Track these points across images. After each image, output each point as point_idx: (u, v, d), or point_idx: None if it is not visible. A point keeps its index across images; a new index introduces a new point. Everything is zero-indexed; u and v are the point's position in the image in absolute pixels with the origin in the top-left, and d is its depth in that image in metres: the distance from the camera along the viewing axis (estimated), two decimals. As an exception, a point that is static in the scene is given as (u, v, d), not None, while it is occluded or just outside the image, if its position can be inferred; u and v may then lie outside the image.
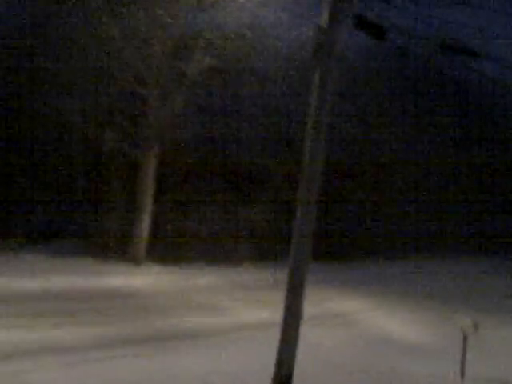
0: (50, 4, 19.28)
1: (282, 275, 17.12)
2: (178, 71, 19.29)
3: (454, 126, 32.88)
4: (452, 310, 14.49)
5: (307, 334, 8.69)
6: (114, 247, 19.33)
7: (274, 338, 8.40)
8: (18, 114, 19.25)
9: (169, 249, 19.80)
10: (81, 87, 18.88)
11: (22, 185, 19.28)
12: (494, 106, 36.91)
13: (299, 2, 18.16)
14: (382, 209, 27.63)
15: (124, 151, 19.39)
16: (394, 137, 28.59)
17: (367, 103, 27.40)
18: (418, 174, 30.69)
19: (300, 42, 19.52)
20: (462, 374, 10.28)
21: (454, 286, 22.60)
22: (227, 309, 14.64)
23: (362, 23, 9.56)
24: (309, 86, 9.39)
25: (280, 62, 21.00)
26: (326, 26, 9.15)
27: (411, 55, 29.37)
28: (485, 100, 35.93)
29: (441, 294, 20.18)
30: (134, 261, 18.83)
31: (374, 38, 9.92)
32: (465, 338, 10.37)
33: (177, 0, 18.80)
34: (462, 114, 33.71)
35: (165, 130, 19.49)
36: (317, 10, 9.77)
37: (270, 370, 8.17)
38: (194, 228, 20.51)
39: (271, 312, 12.78)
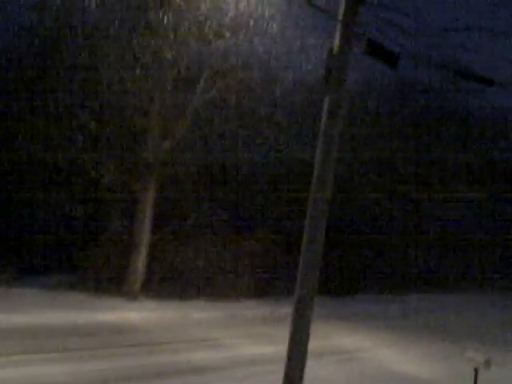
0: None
1: (282, 310, 17.15)
2: (180, 103, 18.96)
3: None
4: (462, 345, 13.91)
5: (312, 369, 8.16)
6: (109, 282, 18.76)
7: (281, 372, 7.96)
8: (14, 144, 18.84)
9: (165, 283, 19.30)
10: (79, 118, 18.46)
11: (18, 218, 18.79)
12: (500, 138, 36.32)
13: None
14: (382, 244, 27.17)
15: (122, 184, 18.98)
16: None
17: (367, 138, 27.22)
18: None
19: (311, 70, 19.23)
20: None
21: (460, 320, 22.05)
22: (229, 344, 14.20)
23: (373, 49, 9.20)
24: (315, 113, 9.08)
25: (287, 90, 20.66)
26: (336, 51, 8.82)
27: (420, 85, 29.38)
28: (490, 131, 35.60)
29: (447, 329, 19.63)
30: (129, 295, 18.28)
31: (387, 66, 9.56)
32: (476, 374, 9.83)
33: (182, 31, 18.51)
34: (464, 148, 33.33)
35: (165, 163, 19.15)
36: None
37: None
38: (192, 262, 19.96)
39: (278, 347, 12.45)
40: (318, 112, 9.09)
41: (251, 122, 20.48)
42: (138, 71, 18.11)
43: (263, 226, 21.74)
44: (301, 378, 8.17)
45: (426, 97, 31.81)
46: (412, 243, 29.58)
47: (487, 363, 9.95)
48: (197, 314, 17.43)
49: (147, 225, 18.89)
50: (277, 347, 12.69)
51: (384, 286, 25.95)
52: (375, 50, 9.14)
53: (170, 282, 19.43)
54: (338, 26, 8.85)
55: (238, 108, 19.59)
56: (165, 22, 17.89)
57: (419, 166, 30.40)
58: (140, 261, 18.81)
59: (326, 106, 8.81)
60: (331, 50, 8.83)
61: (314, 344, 8.13)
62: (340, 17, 8.82)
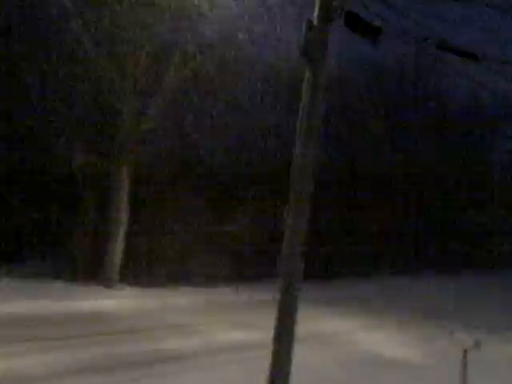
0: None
1: (261, 295, 16.81)
2: (154, 81, 18.35)
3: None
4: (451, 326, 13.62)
5: (297, 354, 7.77)
6: (85, 270, 18.24)
7: (264, 359, 7.62)
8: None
9: (143, 270, 18.84)
10: (50, 98, 17.75)
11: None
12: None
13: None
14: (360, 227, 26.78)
15: (95, 165, 18.36)
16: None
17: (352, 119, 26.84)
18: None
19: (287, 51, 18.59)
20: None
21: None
22: (208, 330, 13.80)
23: (354, 23, 8.72)
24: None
25: (262, 70, 20.15)
26: (316, 23, 8.35)
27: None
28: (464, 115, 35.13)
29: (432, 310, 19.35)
30: (107, 283, 17.78)
31: (369, 41, 9.09)
32: (465, 354, 9.51)
33: (156, 7, 17.83)
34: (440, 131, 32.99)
35: (139, 144, 18.60)
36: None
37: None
38: (170, 247, 19.47)
39: (256, 333, 12.35)
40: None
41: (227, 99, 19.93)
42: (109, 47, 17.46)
43: (244, 211, 21.23)
44: (288, 361, 7.84)
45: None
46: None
47: (477, 344, 9.67)
48: (176, 300, 17.01)
49: (123, 211, 18.36)
50: (256, 333, 12.44)
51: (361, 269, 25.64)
52: (354, 23, 8.69)
53: (148, 269, 18.96)
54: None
55: (213, 86, 19.01)
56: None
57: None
58: (117, 248, 18.29)
59: (306, 82, 8.37)
60: (311, 22, 8.37)
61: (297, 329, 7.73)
62: (318, -11, 8.34)
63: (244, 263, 20.65)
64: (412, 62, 31.06)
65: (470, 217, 35.11)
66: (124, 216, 18.32)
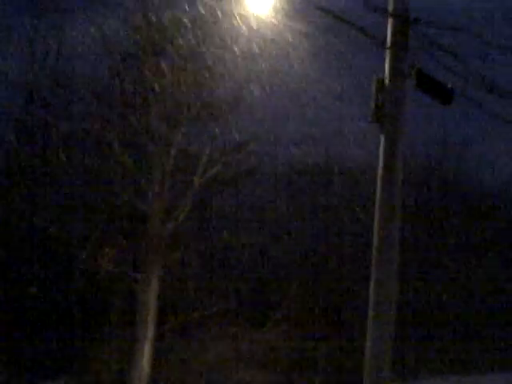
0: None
1: None
2: (181, 184, 17.61)
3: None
4: None
5: None
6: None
7: None
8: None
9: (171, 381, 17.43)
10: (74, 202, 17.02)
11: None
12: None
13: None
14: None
15: (122, 275, 17.32)
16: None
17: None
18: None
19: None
20: None
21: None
22: None
23: (423, 82, 7.84)
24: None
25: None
26: (387, 81, 7.48)
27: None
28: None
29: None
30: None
31: (439, 102, 8.20)
32: None
33: (180, 112, 17.34)
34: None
35: (168, 250, 17.59)
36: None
37: None
38: (200, 356, 18.10)
39: None
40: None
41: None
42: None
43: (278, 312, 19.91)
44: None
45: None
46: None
47: None
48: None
49: (151, 319, 17.10)
50: None
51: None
52: (425, 83, 7.82)
53: (176, 379, 17.56)
54: (387, 54, 7.56)
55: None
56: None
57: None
58: (144, 360, 16.92)
59: (381, 151, 7.41)
60: (381, 81, 7.50)
61: None
62: (388, 42, 7.52)
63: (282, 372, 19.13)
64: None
65: None
66: (151, 325, 17.05)
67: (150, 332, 17.02)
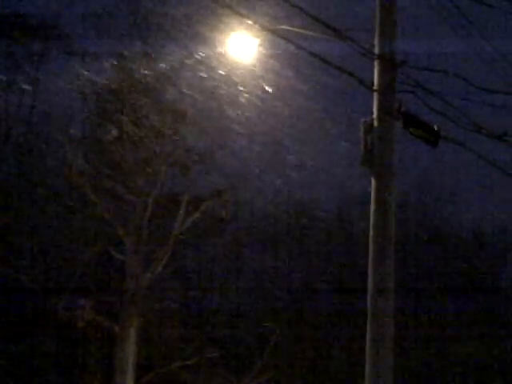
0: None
1: None
2: (159, 232, 17.40)
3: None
4: None
5: None
6: None
7: None
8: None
9: None
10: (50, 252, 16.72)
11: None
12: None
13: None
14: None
15: (99, 324, 16.92)
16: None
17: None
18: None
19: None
20: None
21: None
22: None
23: (410, 124, 7.88)
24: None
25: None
26: (376, 124, 7.50)
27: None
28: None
29: None
30: None
31: (427, 144, 8.26)
32: None
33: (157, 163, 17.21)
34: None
35: (145, 299, 17.29)
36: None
37: None
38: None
39: None
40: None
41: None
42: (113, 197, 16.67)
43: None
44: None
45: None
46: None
47: None
48: None
49: (130, 369, 16.70)
50: None
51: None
52: (412, 124, 7.86)
53: None
54: (375, 97, 7.59)
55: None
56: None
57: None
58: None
59: (372, 198, 7.36)
60: (370, 124, 7.50)
61: None
62: (376, 85, 7.56)
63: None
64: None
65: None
66: (130, 378, 16.63)
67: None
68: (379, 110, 7.48)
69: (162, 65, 15.75)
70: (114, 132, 17.22)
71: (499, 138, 8.24)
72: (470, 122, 7.95)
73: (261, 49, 9.93)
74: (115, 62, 16.43)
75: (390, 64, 7.44)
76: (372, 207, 7.21)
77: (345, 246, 22.53)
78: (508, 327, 27.63)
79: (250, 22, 7.67)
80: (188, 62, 15.43)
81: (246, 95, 14.91)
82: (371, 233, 7.06)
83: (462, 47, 9.27)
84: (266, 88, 14.53)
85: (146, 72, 15.79)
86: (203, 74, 15.27)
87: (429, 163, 24.21)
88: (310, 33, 7.32)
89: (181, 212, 17.52)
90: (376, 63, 7.50)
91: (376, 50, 7.52)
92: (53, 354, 17.09)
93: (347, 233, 23.25)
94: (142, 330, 17.08)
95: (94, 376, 17.41)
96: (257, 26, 7.78)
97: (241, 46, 9.05)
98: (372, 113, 7.54)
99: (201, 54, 15.02)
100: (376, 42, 7.59)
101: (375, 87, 7.50)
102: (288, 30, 7.49)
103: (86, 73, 16.97)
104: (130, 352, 16.73)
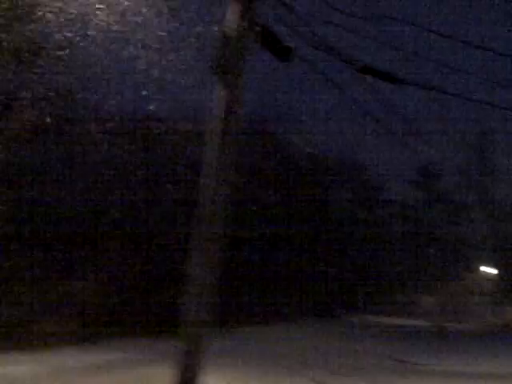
0: None
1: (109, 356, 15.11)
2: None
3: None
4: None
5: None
6: None
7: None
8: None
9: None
10: None
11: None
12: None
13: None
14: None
15: None
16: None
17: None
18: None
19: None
20: None
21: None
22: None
23: (267, 40, 7.98)
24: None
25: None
26: (232, 33, 7.52)
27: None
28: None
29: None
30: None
31: (277, 60, 8.38)
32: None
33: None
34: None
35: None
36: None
37: None
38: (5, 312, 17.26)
39: None
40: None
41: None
42: None
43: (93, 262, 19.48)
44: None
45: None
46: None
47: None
48: (14, 369, 14.80)
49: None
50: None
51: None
52: (267, 39, 7.97)
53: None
54: (231, 7, 7.58)
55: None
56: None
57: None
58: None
59: (220, 102, 7.44)
60: (224, 33, 7.51)
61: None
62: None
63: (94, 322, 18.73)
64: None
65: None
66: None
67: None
68: (237, 21, 7.50)
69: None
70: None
71: (359, 70, 8.53)
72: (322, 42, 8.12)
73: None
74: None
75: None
76: (219, 114, 7.28)
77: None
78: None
79: None
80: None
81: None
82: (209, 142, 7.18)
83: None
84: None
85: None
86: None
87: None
88: None
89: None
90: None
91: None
92: None
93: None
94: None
95: None
96: None
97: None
98: (228, 21, 7.55)
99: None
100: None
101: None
102: None
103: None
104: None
